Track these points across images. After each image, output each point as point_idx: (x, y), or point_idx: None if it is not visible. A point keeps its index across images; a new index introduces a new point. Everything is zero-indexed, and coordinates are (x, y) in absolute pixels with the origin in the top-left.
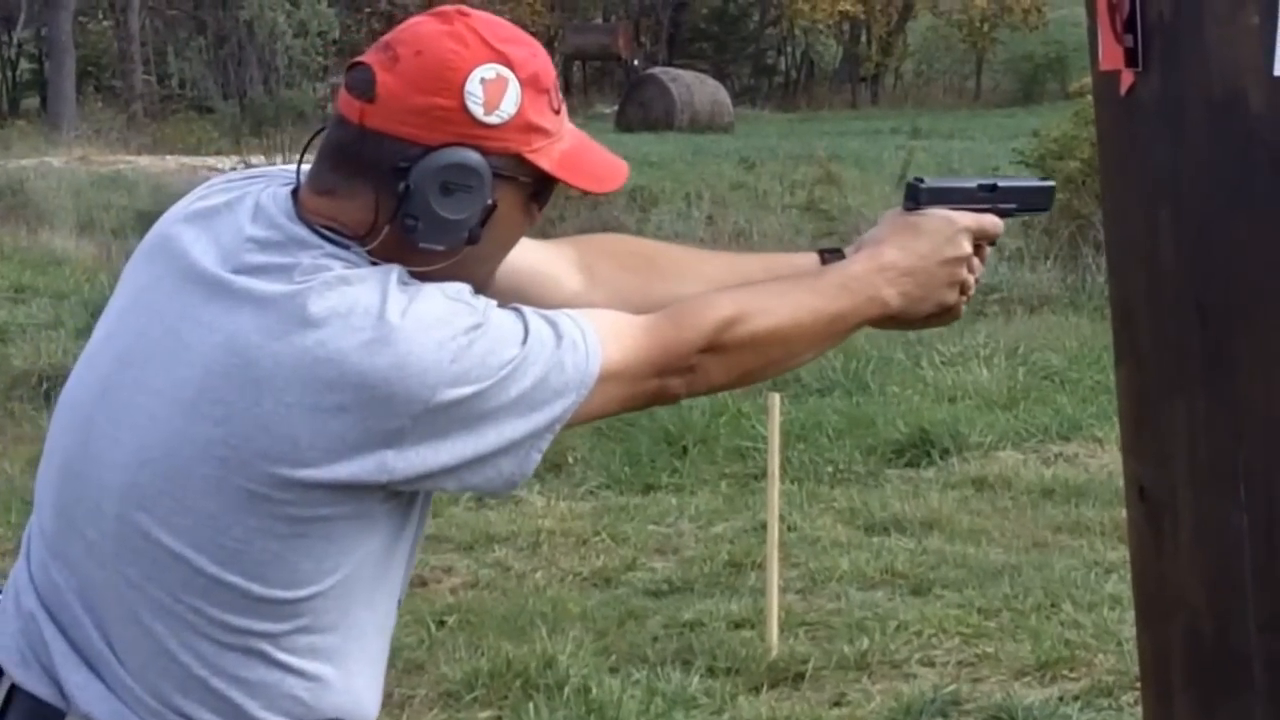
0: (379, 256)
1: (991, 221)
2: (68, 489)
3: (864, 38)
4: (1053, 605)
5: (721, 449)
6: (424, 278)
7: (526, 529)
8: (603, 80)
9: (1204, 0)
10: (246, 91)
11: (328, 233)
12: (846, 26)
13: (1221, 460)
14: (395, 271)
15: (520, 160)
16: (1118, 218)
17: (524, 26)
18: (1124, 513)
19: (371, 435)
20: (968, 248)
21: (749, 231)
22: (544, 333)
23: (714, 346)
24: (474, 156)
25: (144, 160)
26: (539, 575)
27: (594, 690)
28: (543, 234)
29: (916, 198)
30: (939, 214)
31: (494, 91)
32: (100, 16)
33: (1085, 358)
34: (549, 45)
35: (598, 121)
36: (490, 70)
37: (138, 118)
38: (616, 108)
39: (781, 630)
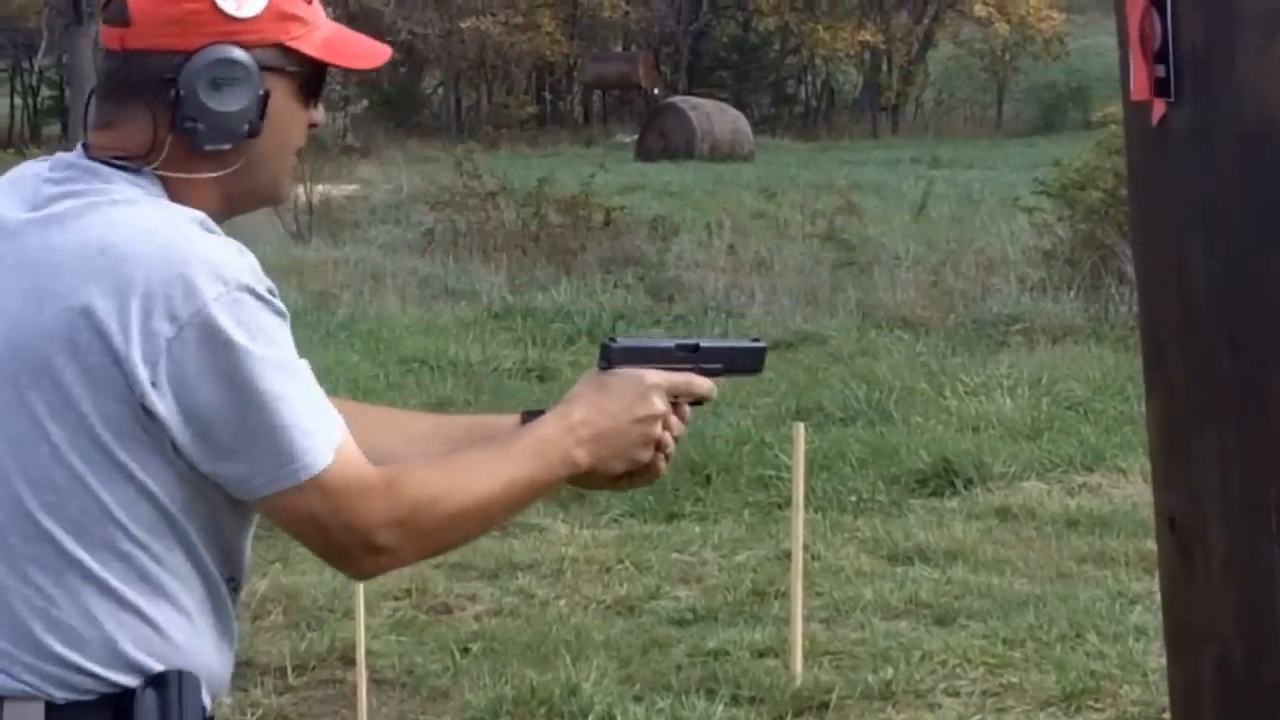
0: (170, 172)
1: (686, 379)
2: None
3: (885, 67)
4: (1077, 636)
5: (744, 478)
6: (220, 187)
7: (550, 557)
8: (623, 109)
9: (1236, 30)
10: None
11: (116, 162)
12: (867, 55)
13: (1253, 491)
14: (196, 215)
15: (283, 49)
16: (1149, 248)
17: (543, 56)
18: (1149, 544)
19: (136, 329)
20: (660, 405)
21: (770, 261)
22: (310, 380)
23: (410, 526)
24: (236, 51)
25: None
26: (562, 603)
27: (618, 718)
28: (566, 266)
29: (609, 357)
30: (630, 372)
31: None
32: None
33: (1109, 388)
34: (569, 74)
35: (617, 150)
36: None
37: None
38: (636, 137)
39: (806, 659)
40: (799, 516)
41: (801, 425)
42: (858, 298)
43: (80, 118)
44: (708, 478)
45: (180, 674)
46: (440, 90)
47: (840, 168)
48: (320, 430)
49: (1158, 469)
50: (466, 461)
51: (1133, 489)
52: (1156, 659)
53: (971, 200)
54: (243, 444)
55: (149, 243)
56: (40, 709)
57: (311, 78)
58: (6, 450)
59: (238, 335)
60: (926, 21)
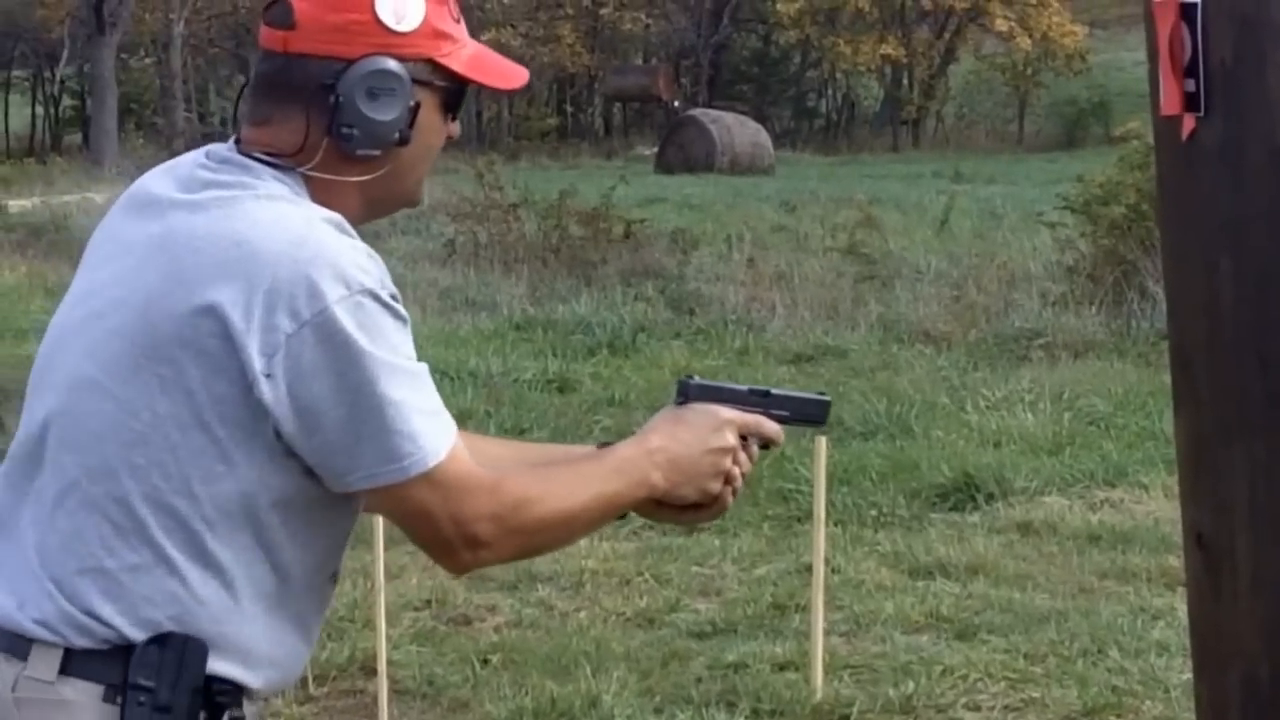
0: (321, 173)
1: (757, 420)
2: (37, 378)
3: (906, 81)
4: (1099, 651)
5: (764, 491)
6: (363, 191)
7: (570, 569)
8: (643, 122)
9: (1266, 45)
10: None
11: (268, 158)
12: (888, 69)
13: None
14: (334, 218)
15: (433, 65)
16: (1177, 263)
17: (564, 68)
18: (1171, 559)
19: (258, 322)
20: (732, 440)
21: (790, 274)
22: (428, 384)
23: (505, 524)
24: (393, 63)
25: None
26: (582, 615)
27: None
28: (587, 278)
29: (686, 393)
30: (705, 407)
31: (401, 1)
32: (142, 54)
33: (1131, 404)
34: (589, 86)
35: (637, 163)
36: None
37: (179, 155)
38: (656, 149)
39: (826, 673)
40: (820, 530)
41: (823, 439)
42: (879, 312)
43: (102, 127)
44: None
45: (186, 637)
46: None
47: (861, 182)
48: (430, 432)
49: (1185, 484)
50: (559, 473)
51: (1154, 505)
52: (1178, 675)
53: (993, 215)
54: (348, 441)
55: (282, 240)
56: (59, 655)
57: (455, 93)
58: (113, 410)
59: (357, 336)
60: (948, 35)
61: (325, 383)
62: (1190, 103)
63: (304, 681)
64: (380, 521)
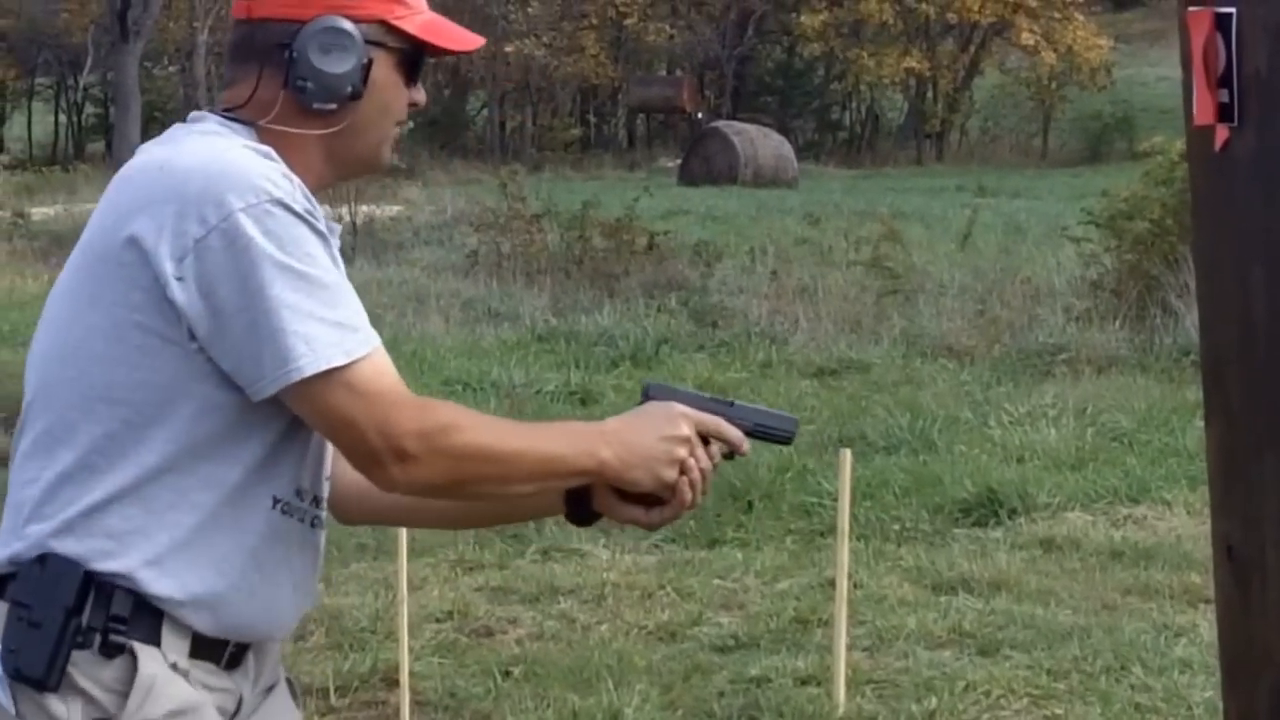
0: (280, 125)
1: (716, 420)
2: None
3: (930, 94)
4: (1122, 668)
5: (787, 505)
6: (325, 146)
7: (591, 582)
8: (666, 133)
9: None
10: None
11: (227, 114)
12: (912, 82)
13: None
14: (260, 147)
15: (387, 26)
16: (1210, 274)
17: (587, 79)
18: (1194, 576)
19: (170, 228)
20: (686, 430)
21: (813, 288)
22: (335, 294)
23: (433, 440)
24: (344, 21)
25: None
26: (604, 628)
27: None
28: (610, 290)
29: (647, 394)
30: (662, 401)
31: None
32: (166, 62)
33: (1154, 420)
34: (613, 97)
35: (660, 175)
36: None
37: None
38: (680, 161)
39: (848, 688)
40: (844, 544)
41: (848, 452)
42: (902, 326)
43: (126, 135)
44: (750, 504)
45: (59, 557)
46: (485, 112)
47: (884, 195)
48: (328, 339)
49: (1216, 496)
50: (499, 419)
51: (1177, 521)
52: (1200, 692)
53: (1017, 229)
54: (252, 346)
55: (198, 158)
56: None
57: (411, 56)
58: (54, 330)
59: (261, 242)
60: (973, 49)
61: (230, 286)
62: (1224, 113)
63: (325, 693)
64: (403, 534)
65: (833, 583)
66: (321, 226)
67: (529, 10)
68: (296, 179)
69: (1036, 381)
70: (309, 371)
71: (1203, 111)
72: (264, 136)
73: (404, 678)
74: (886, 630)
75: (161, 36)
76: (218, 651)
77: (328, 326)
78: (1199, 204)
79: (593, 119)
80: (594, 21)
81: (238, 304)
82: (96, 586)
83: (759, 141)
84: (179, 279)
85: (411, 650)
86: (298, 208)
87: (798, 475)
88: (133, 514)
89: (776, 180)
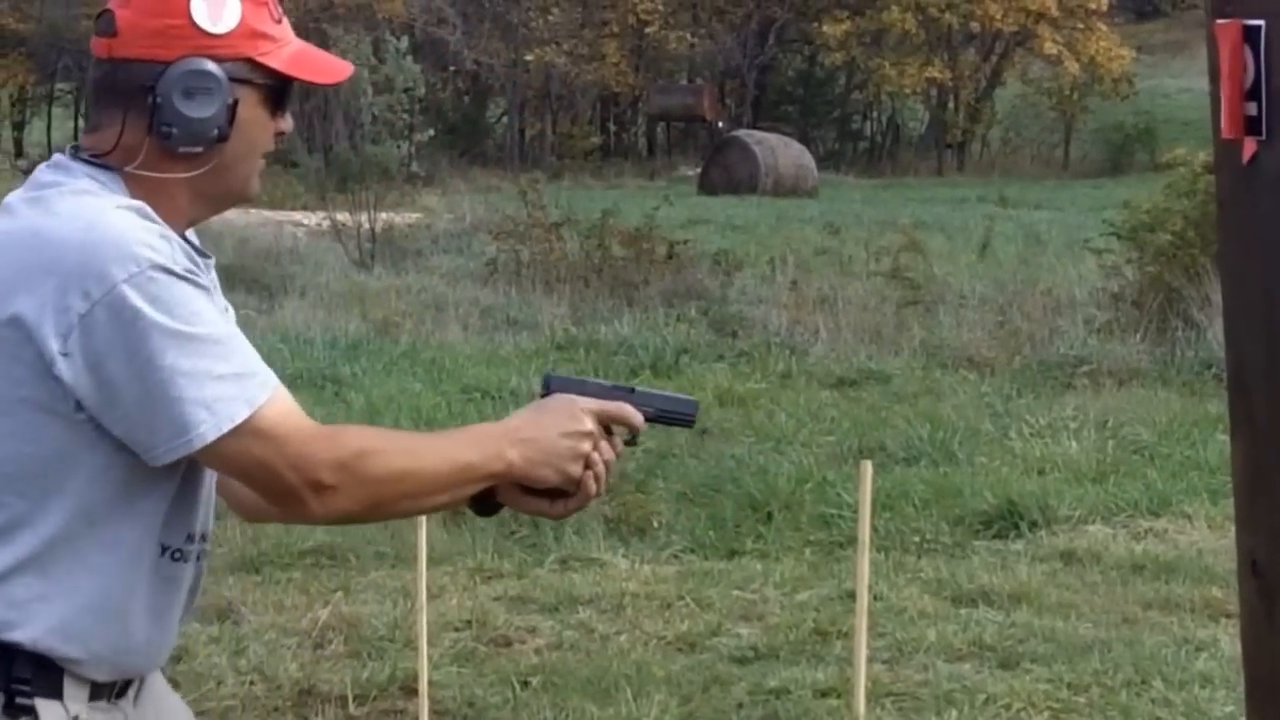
0: (147, 171)
1: (619, 407)
2: None
3: (951, 104)
4: (1143, 682)
5: (806, 516)
6: (192, 187)
7: (610, 591)
8: (686, 142)
9: None
10: (331, 146)
11: (93, 160)
12: (934, 92)
13: None
14: (134, 204)
15: (252, 64)
16: (1236, 287)
17: (608, 87)
18: (1215, 590)
19: (52, 304)
20: (589, 425)
21: (833, 298)
22: (227, 347)
23: (349, 469)
24: (208, 63)
25: (228, 213)
26: (623, 638)
27: None
28: (629, 299)
29: (549, 386)
30: (565, 395)
31: (216, 6)
32: None
33: (1175, 432)
34: (633, 105)
35: (680, 184)
36: None
37: None
38: (700, 170)
39: (868, 701)
40: (864, 556)
41: (869, 464)
42: (922, 337)
43: None
44: (769, 515)
45: None
46: (505, 120)
47: (905, 205)
48: (227, 396)
49: (1241, 510)
50: (408, 435)
51: (1199, 535)
52: (1221, 707)
53: (1038, 241)
54: (145, 416)
55: (72, 227)
56: None
57: (278, 89)
58: None
59: (147, 311)
60: (994, 59)
61: (119, 359)
62: (1252, 126)
63: (344, 701)
64: (423, 542)
65: (852, 594)
66: (203, 281)
67: (550, 18)
68: (174, 237)
69: (1057, 393)
70: (211, 437)
71: (1230, 124)
72: (130, 183)
73: (423, 686)
74: (906, 642)
75: None
76: (108, 689)
77: (226, 383)
78: (1225, 217)
79: (613, 127)
80: (615, 29)
81: (128, 375)
82: (2, 652)
83: (779, 151)
84: (65, 355)
85: (430, 659)
86: (178, 269)
87: (817, 486)
88: (32, 583)
89: (797, 190)
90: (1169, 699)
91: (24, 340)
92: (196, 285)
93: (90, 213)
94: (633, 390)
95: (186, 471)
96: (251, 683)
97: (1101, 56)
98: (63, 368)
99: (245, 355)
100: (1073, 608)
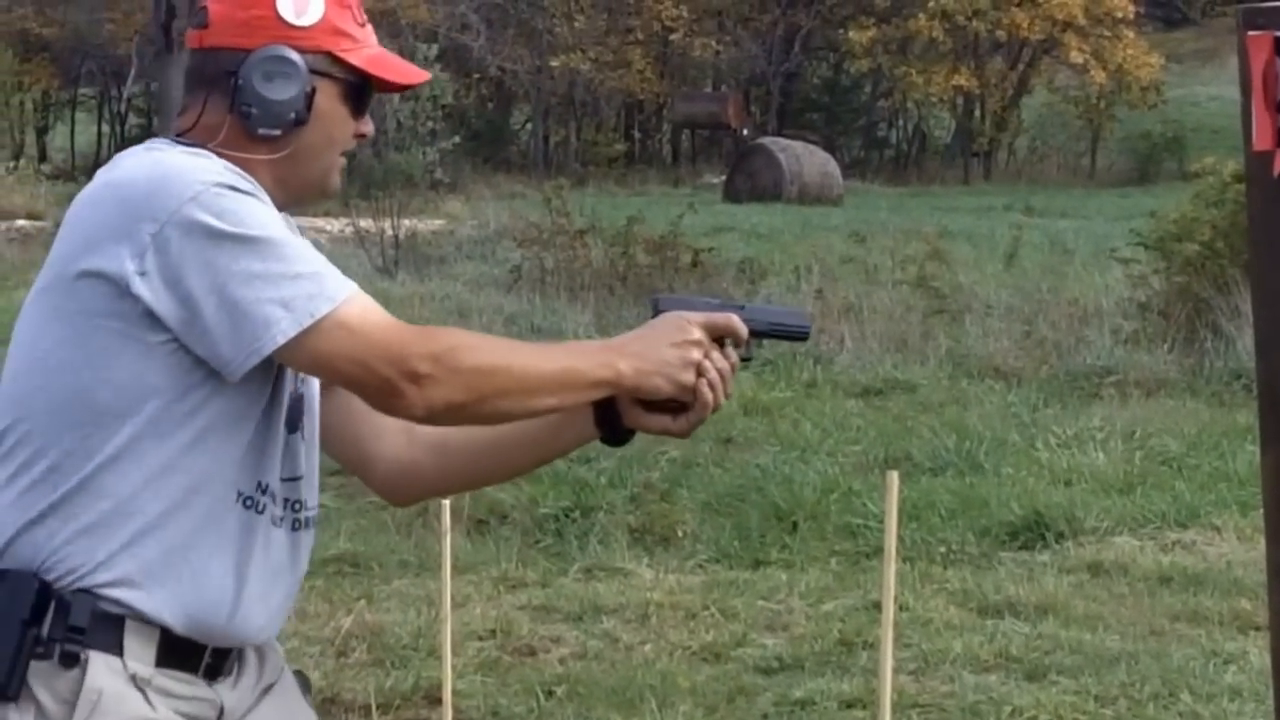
0: (229, 150)
1: (725, 318)
2: None
3: (978, 112)
4: (1170, 694)
5: (832, 526)
6: (272, 171)
7: (635, 601)
8: (711, 149)
9: None
10: (355, 153)
11: (180, 140)
12: (960, 100)
13: None
14: (197, 151)
15: (332, 58)
16: (1268, 299)
17: (633, 94)
18: (1243, 602)
19: (125, 231)
20: (697, 334)
21: (859, 306)
22: (298, 250)
23: (445, 360)
24: (289, 50)
25: None
26: (648, 648)
27: None
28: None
29: (656, 307)
30: (672, 313)
31: (301, 1)
32: None
33: (1203, 444)
34: (658, 112)
35: (705, 191)
36: None
37: None
38: (724, 177)
39: (894, 712)
40: (890, 566)
41: (895, 475)
42: (948, 346)
43: None
44: (794, 525)
45: (7, 572)
46: (529, 126)
47: (931, 214)
48: (303, 293)
49: (1271, 523)
50: (505, 339)
51: (1227, 547)
52: None
53: (1065, 250)
54: (226, 323)
55: (140, 170)
56: None
57: (357, 87)
58: (21, 348)
59: (214, 223)
60: (1021, 67)
61: (194, 270)
62: None
63: (368, 709)
64: (447, 550)
65: (878, 605)
66: (262, 195)
67: (575, 24)
68: (235, 167)
69: (1084, 404)
70: (292, 333)
71: (1262, 136)
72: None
73: (446, 696)
74: (932, 653)
75: None
76: (193, 660)
77: (304, 281)
78: (1256, 229)
79: (638, 134)
80: (640, 36)
81: (205, 285)
82: (56, 597)
83: (804, 158)
84: (142, 274)
85: (454, 668)
86: (242, 186)
87: (843, 496)
88: (93, 514)
89: (822, 197)
90: (1197, 712)
91: (99, 271)
92: (255, 196)
93: (156, 156)
94: (743, 307)
95: (263, 415)
96: None
97: (1129, 64)
98: (141, 287)
99: (319, 258)
100: (1100, 619)
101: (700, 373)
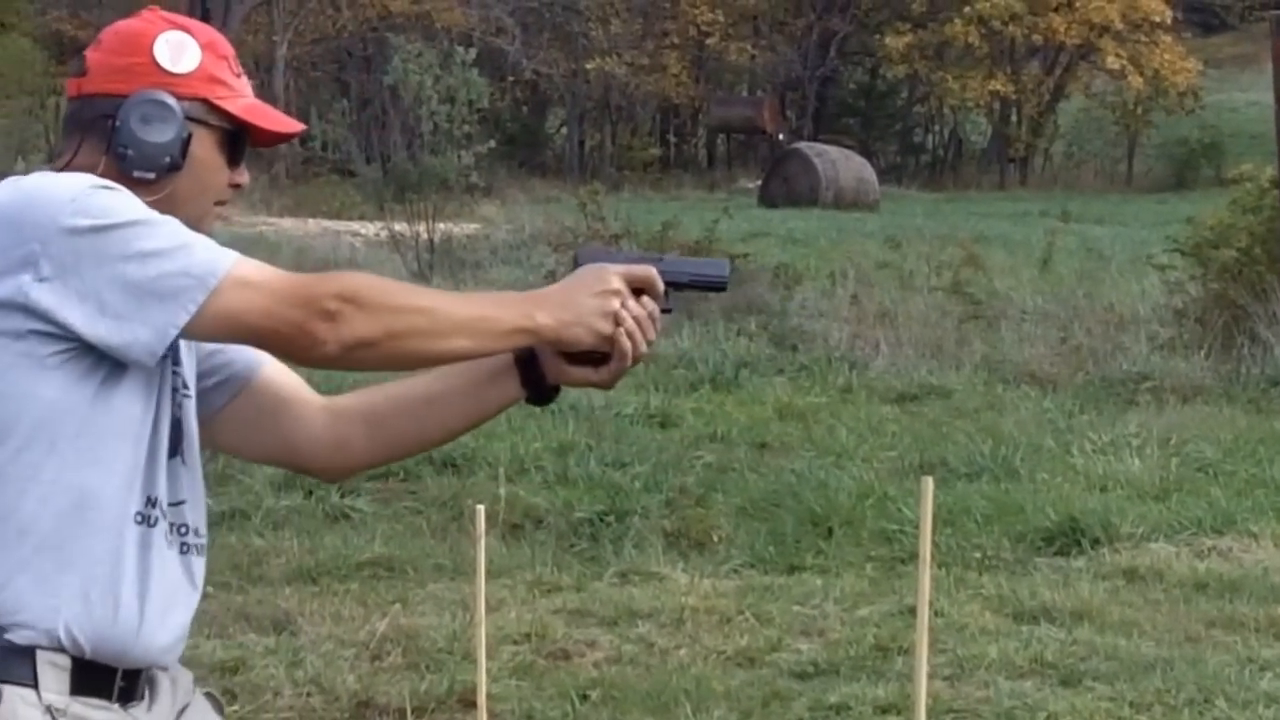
0: None
1: (643, 270)
2: None
3: (1014, 118)
4: (1206, 701)
5: (867, 531)
6: None
7: (670, 605)
8: (746, 154)
9: None
10: (390, 156)
11: None
12: (996, 105)
13: None
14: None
15: (209, 105)
16: None
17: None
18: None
19: (10, 260)
20: (616, 284)
21: (894, 312)
22: (179, 226)
23: (352, 298)
24: (166, 95)
25: (286, 222)
26: (682, 652)
27: None
28: (689, 312)
29: (577, 260)
30: (592, 264)
31: (178, 48)
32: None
33: (1240, 450)
34: (693, 117)
35: (740, 196)
36: (173, 34)
37: (280, 179)
38: (760, 182)
39: (929, 717)
40: (926, 572)
41: (930, 480)
42: (984, 352)
43: None
44: (829, 530)
45: None
46: (564, 130)
47: (967, 219)
48: (199, 259)
49: None
50: (421, 286)
51: (1264, 554)
52: None
53: (1101, 256)
54: (133, 305)
55: (10, 194)
56: None
57: (233, 136)
58: None
59: (97, 220)
60: (1058, 72)
61: (91, 266)
62: None
63: (402, 713)
64: (481, 554)
65: (913, 610)
66: (125, 190)
67: (610, 28)
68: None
69: (1120, 410)
70: (201, 298)
71: None
72: None
73: (481, 699)
74: (968, 659)
75: (240, 50)
76: (106, 684)
77: (195, 249)
78: None
79: (673, 139)
80: (675, 41)
81: (107, 277)
82: None
83: (840, 163)
84: (40, 280)
85: (489, 672)
86: (112, 185)
87: (878, 502)
88: None
89: (858, 203)
90: (1232, 718)
91: None
92: (123, 190)
93: (20, 182)
94: (660, 258)
95: (151, 433)
96: (309, 694)
97: (1166, 70)
98: (42, 295)
99: (188, 232)
100: (1135, 626)
101: (618, 321)
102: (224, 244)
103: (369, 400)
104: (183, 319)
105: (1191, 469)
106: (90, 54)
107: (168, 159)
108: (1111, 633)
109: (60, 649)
